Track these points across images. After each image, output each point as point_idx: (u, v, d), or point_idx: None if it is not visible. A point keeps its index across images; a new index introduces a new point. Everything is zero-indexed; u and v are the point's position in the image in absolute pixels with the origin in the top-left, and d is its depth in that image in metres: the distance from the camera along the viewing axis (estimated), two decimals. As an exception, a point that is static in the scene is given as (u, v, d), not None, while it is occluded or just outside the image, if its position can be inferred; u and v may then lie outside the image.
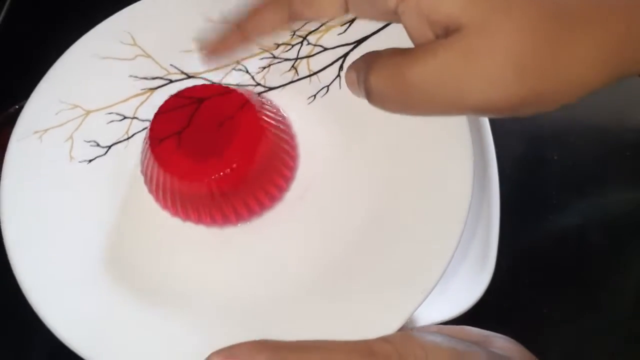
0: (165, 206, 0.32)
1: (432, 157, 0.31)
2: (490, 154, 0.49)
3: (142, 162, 0.32)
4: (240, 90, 0.32)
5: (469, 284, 0.45)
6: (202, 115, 0.31)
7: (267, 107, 0.32)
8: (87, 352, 0.28)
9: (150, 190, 0.32)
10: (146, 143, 0.31)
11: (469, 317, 0.44)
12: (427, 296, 0.28)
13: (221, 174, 0.29)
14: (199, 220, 0.31)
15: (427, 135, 0.31)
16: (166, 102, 0.31)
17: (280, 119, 0.32)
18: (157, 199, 0.32)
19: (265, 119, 0.31)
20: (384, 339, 0.24)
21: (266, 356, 0.23)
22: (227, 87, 0.32)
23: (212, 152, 0.29)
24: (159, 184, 0.31)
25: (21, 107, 0.48)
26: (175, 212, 0.31)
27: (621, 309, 0.48)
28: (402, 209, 0.30)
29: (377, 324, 0.27)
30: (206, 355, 0.24)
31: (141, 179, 0.32)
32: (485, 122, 0.46)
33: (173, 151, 0.30)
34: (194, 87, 0.32)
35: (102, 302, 0.29)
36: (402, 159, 0.31)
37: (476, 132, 0.47)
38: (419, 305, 0.28)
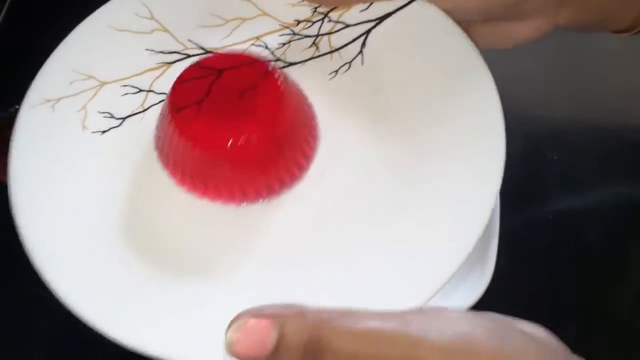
0: (181, 181, 0.31)
1: (459, 137, 0.30)
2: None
3: (157, 137, 0.31)
4: (262, 59, 0.31)
5: (469, 283, 0.45)
6: (222, 86, 0.30)
7: (289, 81, 0.31)
8: (101, 323, 0.27)
9: (165, 165, 0.31)
10: (164, 113, 0.30)
11: (469, 317, 0.44)
12: (456, 269, 0.28)
13: (241, 138, 0.28)
14: (217, 195, 0.30)
15: (451, 112, 0.30)
16: (185, 71, 0.30)
17: (302, 96, 0.32)
18: (173, 173, 0.31)
19: (288, 89, 0.30)
20: (420, 311, 0.24)
21: (295, 313, 0.23)
22: (249, 57, 0.31)
23: (233, 118, 0.29)
24: (177, 154, 0.30)
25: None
26: (192, 186, 0.30)
27: (621, 309, 0.48)
28: (426, 184, 0.29)
29: (406, 296, 0.27)
30: (223, 324, 0.23)
31: (156, 155, 0.31)
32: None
33: (193, 119, 0.29)
34: (216, 56, 0.31)
35: (115, 273, 0.28)
36: (425, 133, 0.30)
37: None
38: (448, 279, 0.27)
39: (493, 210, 0.46)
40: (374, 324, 0.22)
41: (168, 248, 0.29)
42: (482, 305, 0.44)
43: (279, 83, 0.30)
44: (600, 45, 0.54)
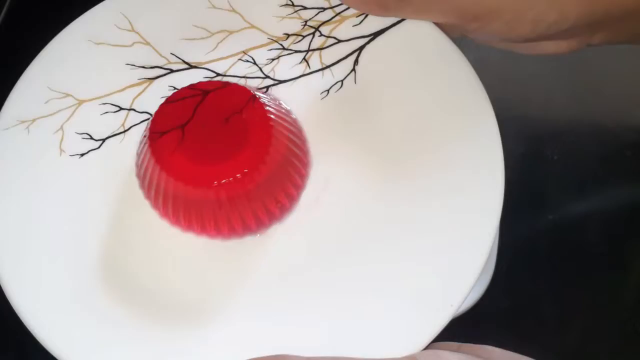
0: (164, 214, 0.29)
1: (455, 156, 0.29)
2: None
3: (138, 164, 0.30)
4: (247, 86, 0.30)
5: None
6: (206, 110, 0.28)
7: (277, 107, 0.30)
8: None
9: (147, 196, 0.29)
10: (144, 140, 0.29)
11: (469, 317, 0.44)
12: (457, 308, 0.26)
13: (230, 179, 0.27)
14: (202, 230, 0.29)
15: (448, 133, 0.29)
16: (174, 94, 0.29)
17: (291, 121, 0.30)
18: (154, 205, 0.29)
19: (277, 119, 0.29)
20: (412, 357, 0.23)
21: None
22: (236, 85, 0.30)
23: (220, 153, 0.27)
24: (158, 187, 0.28)
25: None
26: (175, 220, 0.29)
27: (621, 309, 0.48)
28: (423, 206, 0.28)
29: (399, 342, 0.26)
30: None
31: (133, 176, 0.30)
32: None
33: (175, 149, 0.27)
34: (208, 82, 0.30)
35: (96, 313, 0.27)
36: (420, 155, 0.29)
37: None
38: (448, 320, 0.26)
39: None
40: None
41: (151, 288, 0.28)
42: (482, 305, 0.44)
43: (267, 113, 0.28)
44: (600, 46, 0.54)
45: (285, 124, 0.29)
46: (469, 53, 0.45)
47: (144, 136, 0.29)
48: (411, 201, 0.28)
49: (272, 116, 0.28)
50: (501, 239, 0.46)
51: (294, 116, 0.31)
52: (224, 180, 0.26)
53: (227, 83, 0.29)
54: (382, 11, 0.30)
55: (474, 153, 0.29)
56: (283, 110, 0.30)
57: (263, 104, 0.28)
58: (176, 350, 0.26)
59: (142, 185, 0.30)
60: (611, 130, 0.55)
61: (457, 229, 0.27)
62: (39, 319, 0.27)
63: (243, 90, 0.29)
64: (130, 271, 0.28)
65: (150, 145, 0.27)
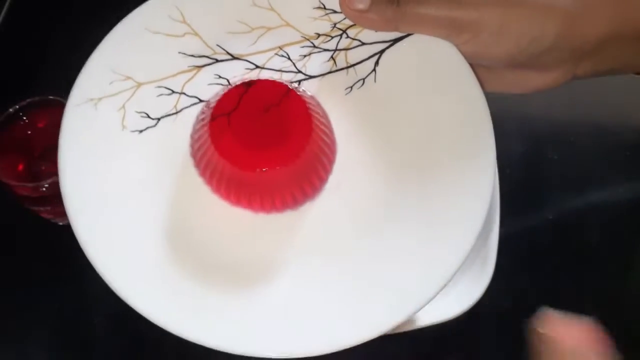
0: (216, 189, 0.33)
1: (458, 148, 0.33)
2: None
3: (193, 145, 0.33)
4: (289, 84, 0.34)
5: (469, 283, 0.45)
6: (257, 101, 0.32)
7: (312, 101, 0.34)
8: (149, 310, 0.30)
9: (201, 174, 0.33)
10: (200, 124, 0.33)
11: (469, 317, 0.44)
12: (454, 272, 0.31)
13: (273, 165, 0.31)
14: (248, 205, 0.33)
15: (448, 140, 0.33)
16: (223, 96, 0.33)
17: (323, 114, 0.34)
18: (208, 182, 0.33)
19: (314, 112, 0.32)
20: None
21: None
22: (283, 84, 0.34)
23: (267, 140, 0.32)
24: (213, 167, 0.32)
25: (21, 108, 0.49)
26: (226, 195, 0.33)
27: (621, 309, 0.48)
28: (431, 192, 0.32)
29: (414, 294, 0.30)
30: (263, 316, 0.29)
31: (186, 153, 0.34)
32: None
33: (228, 135, 0.32)
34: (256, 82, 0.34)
35: (161, 267, 0.31)
36: (424, 149, 0.33)
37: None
38: (451, 277, 0.31)
39: (493, 210, 0.46)
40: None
41: (204, 251, 0.32)
42: (482, 305, 0.44)
43: (308, 107, 0.32)
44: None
45: (319, 117, 0.33)
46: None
47: (201, 120, 0.33)
48: (414, 185, 0.33)
49: (310, 108, 0.32)
50: (501, 238, 0.46)
51: (323, 108, 0.34)
52: (269, 167, 0.31)
53: (286, 87, 0.33)
54: (381, 27, 0.34)
55: (468, 154, 0.33)
56: (315, 103, 0.34)
57: (305, 99, 0.32)
58: (222, 304, 0.31)
59: (196, 165, 0.33)
60: (611, 130, 0.55)
61: (452, 209, 0.32)
62: (111, 268, 0.30)
63: (296, 95, 0.33)
64: (189, 238, 0.32)
65: (209, 131, 0.32)
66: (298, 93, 0.33)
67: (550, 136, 0.54)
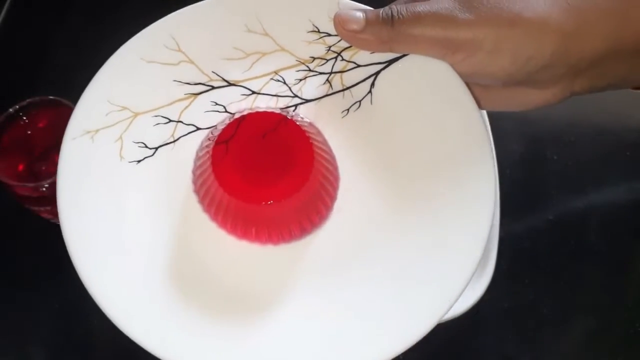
0: (222, 224, 0.33)
1: (455, 168, 0.33)
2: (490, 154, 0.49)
3: (197, 184, 0.34)
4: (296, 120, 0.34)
5: (470, 283, 0.45)
6: (264, 139, 0.33)
7: (313, 129, 0.34)
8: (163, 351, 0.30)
9: (206, 210, 0.33)
10: (204, 165, 0.33)
11: (470, 317, 0.44)
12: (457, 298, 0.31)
13: (280, 198, 0.32)
14: (256, 238, 0.33)
15: (445, 158, 0.33)
16: (223, 130, 0.33)
17: (323, 141, 0.34)
18: (213, 217, 0.33)
19: (315, 142, 0.33)
20: None
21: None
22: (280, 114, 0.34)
23: (271, 175, 0.32)
24: (217, 203, 0.32)
25: (21, 108, 0.49)
26: (233, 229, 0.33)
27: (621, 309, 0.48)
28: (432, 215, 0.33)
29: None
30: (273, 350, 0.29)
31: (189, 186, 0.34)
32: (486, 122, 0.46)
33: (233, 175, 0.32)
34: (251, 115, 0.34)
35: (164, 301, 0.31)
36: (422, 171, 0.34)
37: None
38: (450, 306, 0.30)
39: (493, 210, 0.46)
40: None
41: (213, 285, 0.32)
42: (482, 305, 0.44)
43: (311, 141, 0.32)
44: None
45: (320, 144, 0.33)
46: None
47: (202, 155, 0.33)
48: (415, 203, 0.33)
49: (311, 137, 0.33)
50: (501, 238, 0.46)
51: (322, 134, 0.35)
52: (271, 201, 0.32)
53: (285, 117, 0.33)
54: (376, 48, 0.34)
55: (468, 174, 0.33)
56: (315, 131, 0.34)
57: (304, 128, 0.33)
58: (242, 330, 0.31)
59: (200, 200, 0.33)
60: (610, 131, 0.55)
61: (454, 232, 0.32)
62: (115, 306, 0.31)
63: (290, 122, 0.33)
64: (193, 271, 0.32)
65: (211, 167, 0.32)
66: (296, 121, 0.33)
67: (550, 136, 0.54)
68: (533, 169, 0.53)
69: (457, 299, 0.31)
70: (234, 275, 0.32)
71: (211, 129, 0.34)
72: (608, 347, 0.47)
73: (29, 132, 0.48)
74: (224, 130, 0.33)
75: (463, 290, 0.31)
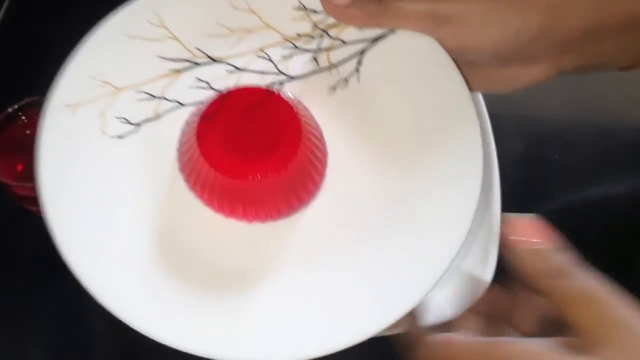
0: (208, 202, 0.33)
1: (439, 150, 0.33)
2: (491, 153, 0.49)
3: (182, 162, 0.33)
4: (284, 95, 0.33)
5: (470, 284, 0.45)
6: (248, 118, 0.32)
7: (300, 107, 0.33)
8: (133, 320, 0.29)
9: (192, 187, 0.33)
10: (189, 141, 0.32)
11: (470, 317, 0.44)
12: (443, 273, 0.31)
13: (268, 174, 0.31)
14: (243, 215, 0.33)
15: (434, 132, 0.33)
16: (209, 105, 0.32)
17: (311, 117, 0.34)
18: (200, 195, 0.33)
19: (304, 118, 0.32)
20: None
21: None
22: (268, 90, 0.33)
23: (257, 149, 0.31)
24: (206, 181, 0.32)
25: (20, 107, 0.48)
26: (219, 207, 0.33)
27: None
28: (421, 191, 0.33)
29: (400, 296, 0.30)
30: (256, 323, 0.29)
31: (175, 165, 0.33)
32: (486, 121, 0.46)
33: (220, 151, 0.31)
34: (238, 90, 0.33)
35: (150, 278, 0.31)
36: (410, 146, 0.33)
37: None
38: (438, 279, 0.31)
39: (494, 210, 0.46)
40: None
41: (204, 264, 0.32)
42: (482, 305, 0.44)
43: (299, 116, 0.32)
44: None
45: (308, 120, 0.33)
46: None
47: (187, 132, 0.33)
48: (402, 182, 0.33)
49: (299, 112, 0.32)
50: (501, 238, 0.46)
51: (310, 111, 0.34)
52: (259, 176, 0.31)
53: (272, 92, 0.33)
54: (363, 23, 0.33)
55: (455, 150, 0.33)
56: (302, 107, 0.34)
57: (292, 103, 0.32)
58: (217, 312, 0.30)
59: (186, 178, 0.33)
60: (611, 130, 0.55)
61: (442, 207, 0.32)
62: (101, 285, 0.30)
63: (276, 97, 0.33)
64: (179, 248, 0.32)
65: (197, 143, 0.31)
66: (284, 97, 0.33)
67: (550, 136, 0.54)
68: (534, 168, 0.53)
69: (443, 274, 0.31)
70: (221, 254, 0.32)
71: (196, 105, 0.34)
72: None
73: (28, 132, 0.49)
74: (209, 105, 0.32)
75: (449, 266, 0.31)
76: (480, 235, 0.47)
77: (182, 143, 0.33)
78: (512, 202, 0.49)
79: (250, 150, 0.31)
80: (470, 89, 0.34)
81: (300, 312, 0.30)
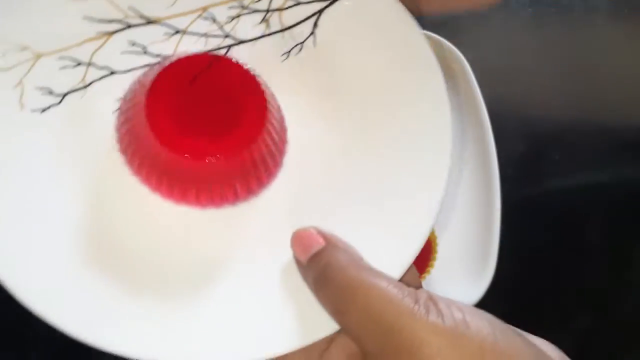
0: (156, 187, 0.29)
1: (404, 113, 0.31)
2: (491, 154, 0.49)
3: (123, 141, 0.30)
4: (246, 67, 0.30)
5: (470, 284, 0.45)
6: (201, 84, 0.29)
7: (264, 85, 0.30)
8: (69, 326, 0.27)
9: (137, 171, 0.29)
10: (135, 118, 0.29)
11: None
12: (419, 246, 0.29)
13: (226, 153, 0.28)
14: (196, 200, 0.29)
15: (398, 93, 0.31)
16: (156, 79, 0.29)
17: (271, 94, 0.31)
18: (146, 179, 0.29)
19: (269, 100, 0.30)
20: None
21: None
22: (229, 60, 0.30)
23: (215, 129, 0.28)
24: (144, 155, 0.29)
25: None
26: (157, 187, 0.29)
27: (621, 309, 0.48)
28: (386, 167, 0.30)
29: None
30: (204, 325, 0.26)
31: (110, 144, 0.30)
32: (486, 121, 0.46)
33: (173, 129, 0.28)
34: (184, 59, 0.30)
35: (80, 275, 0.27)
36: (374, 114, 0.31)
37: (477, 131, 0.47)
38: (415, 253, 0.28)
39: (494, 210, 0.46)
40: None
41: (134, 255, 0.28)
42: (482, 305, 0.44)
43: (263, 89, 0.29)
44: (600, 45, 0.54)
45: (274, 105, 0.30)
46: (468, 52, 0.45)
47: (130, 107, 0.29)
48: (369, 155, 0.30)
49: (267, 97, 0.29)
50: (501, 238, 0.46)
51: (269, 87, 0.31)
52: (221, 155, 0.28)
53: (220, 57, 0.29)
54: None
55: (421, 111, 0.30)
56: (264, 84, 0.30)
57: (258, 84, 0.29)
58: (162, 315, 0.27)
59: (129, 161, 0.29)
60: (611, 130, 0.55)
61: (408, 188, 0.30)
62: (29, 289, 0.27)
63: (237, 66, 0.30)
64: (112, 237, 0.28)
65: (146, 117, 0.28)
66: (243, 66, 0.29)
67: (551, 136, 0.54)
68: (534, 168, 0.53)
69: (419, 247, 0.28)
70: (168, 246, 0.29)
71: (138, 75, 0.30)
72: (609, 347, 0.47)
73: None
74: (155, 77, 0.29)
75: (424, 239, 0.29)
76: (480, 236, 0.47)
77: (122, 122, 0.30)
78: (512, 202, 0.49)
79: (208, 127, 0.28)
80: (428, 11, 0.32)
81: (259, 308, 0.28)
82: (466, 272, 0.46)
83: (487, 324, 0.24)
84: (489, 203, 0.48)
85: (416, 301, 0.24)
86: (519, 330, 0.26)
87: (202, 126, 0.28)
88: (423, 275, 0.46)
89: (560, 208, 0.51)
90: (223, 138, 0.28)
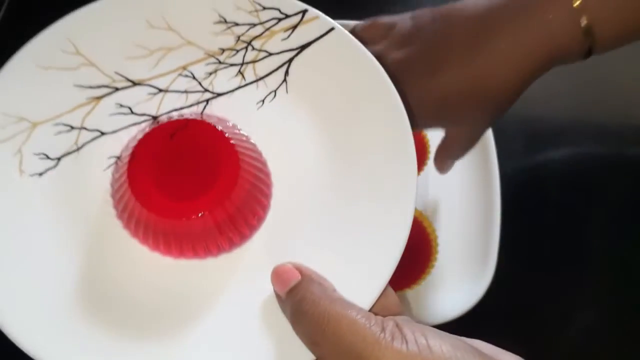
0: (143, 241, 0.31)
1: (372, 152, 0.32)
2: (491, 154, 0.49)
3: (115, 197, 0.32)
4: (219, 127, 0.32)
5: (470, 284, 0.45)
6: (178, 152, 0.31)
7: (239, 136, 0.33)
8: None
9: (125, 226, 0.32)
10: (122, 181, 0.31)
11: (470, 318, 0.44)
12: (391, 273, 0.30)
13: (205, 212, 0.30)
14: (180, 253, 0.31)
15: (366, 134, 0.33)
16: (139, 143, 0.31)
17: (253, 147, 0.33)
18: (134, 234, 0.31)
19: (243, 152, 0.31)
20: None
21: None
22: (201, 121, 0.32)
23: (193, 188, 0.30)
24: (137, 219, 0.31)
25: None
26: (155, 246, 0.31)
27: (621, 309, 0.48)
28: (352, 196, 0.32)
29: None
30: None
31: (103, 199, 0.32)
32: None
33: (154, 192, 0.30)
34: (166, 123, 0.32)
35: (77, 328, 0.29)
36: (348, 151, 0.33)
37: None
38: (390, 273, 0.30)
39: (494, 210, 0.46)
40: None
41: (138, 308, 0.30)
42: (482, 305, 0.44)
43: (235, 147, 0.31)
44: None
45: (249, 152, 0.32)
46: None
47: (119, 176, 0.31)
48: (342, 197, 0.32)
49: (238, 149, 0.31)
50: (501, 239, 0.46)
51: (252, 141, 0.33)
52: (202, 213, 0.30)
53: (191, 120, 0.32)
54: None
55: (387, 156, 0.32)
56: (244, 138, 0.33)
57: (229, 138, 0.31)
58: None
59: (120, 216, 0.32)
60: (611, 130, 0.55)
61: (376, 229, 0.31)
62: (28, 336, 0.29)
63: (208, 126, 0.32)
64: (109, 294, 0.30)
65: (128, 185, 0.30)
66: (215, 125, 0.32)
67: (551, 136, 0.54)
68: (534, 168, 0.53)
69: (388, 277, 0.29)
70: (153, 295, 0.30)
71: (129, 139, 0.33)
72: (609, 346, 0.47)
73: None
74: (137, 143, 0.31)
75: (392, 269, 0.30)
76: (480, 236, 0.47)
77: (114, 179, 0.32)
78: (511, 202, 0.49)
79: (184, 189, 0.30)
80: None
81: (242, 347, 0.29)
82: (466, 272, 0.46)
83: (449, 348, 0.25)
84: (489, 203, 0.48)
85: (383, 329, 0.26)
86: (490, 347, 0.28)
87: (178, 188, 0.30)
88: (423, 275, 0.46)
89: (560, 208, 0.51)
90: (204, 194, 0.30)
